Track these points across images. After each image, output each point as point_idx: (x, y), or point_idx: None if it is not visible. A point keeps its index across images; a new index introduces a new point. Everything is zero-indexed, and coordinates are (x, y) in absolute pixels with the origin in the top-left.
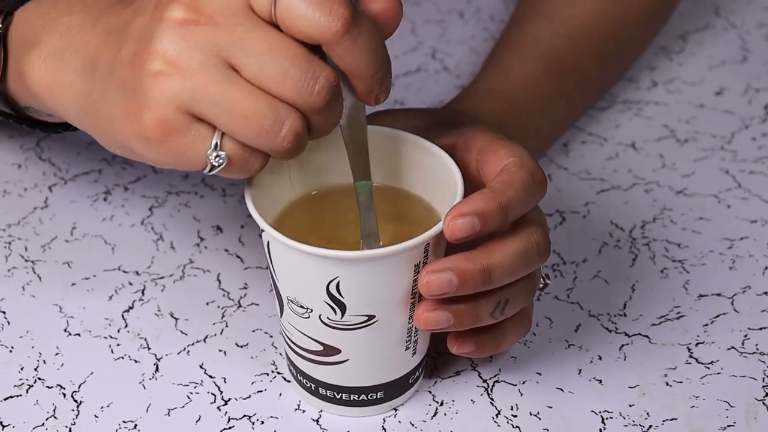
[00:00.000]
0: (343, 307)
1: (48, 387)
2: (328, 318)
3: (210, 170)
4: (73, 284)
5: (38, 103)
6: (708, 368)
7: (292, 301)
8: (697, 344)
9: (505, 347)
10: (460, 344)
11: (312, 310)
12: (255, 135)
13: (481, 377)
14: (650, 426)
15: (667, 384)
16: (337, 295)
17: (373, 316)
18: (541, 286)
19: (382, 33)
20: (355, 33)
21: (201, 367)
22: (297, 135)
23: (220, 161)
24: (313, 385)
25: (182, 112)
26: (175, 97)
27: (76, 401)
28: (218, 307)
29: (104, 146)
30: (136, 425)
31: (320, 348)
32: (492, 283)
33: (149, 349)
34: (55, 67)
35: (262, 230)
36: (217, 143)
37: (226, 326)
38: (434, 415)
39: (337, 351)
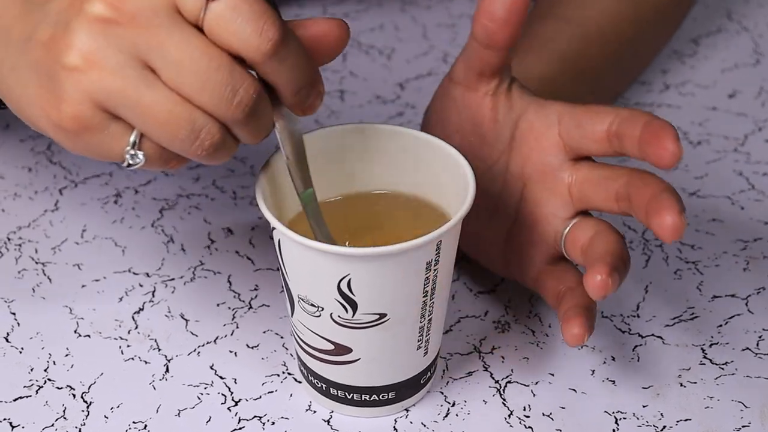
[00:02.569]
0: (354, 306)
1: (58, 388)
2: (339, 316)
3: (128, 166)
4: (84, 286)
5: None
6: (722, 369)
7: (303, 300)
8: (711, 345)
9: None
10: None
11: (323, 309)
12: (170, 140)
13: (493, 378)
14: (664, 427)
15: (681, 385)
16: (349, 293)
17: (385, 315)
18: None
19: (326, 56)
20: (282, 54)
21: (211, 368)
22: (214, 145)
23: (137, 160)
24: (324, 386)
25: (99, 109)
26: (92, 95)
27: (86, 402)
28: (229, 308)
29: (18, 116)
30: (146, 426)
31: (331, 347)
32: None
33: (159, 350)
34: None
35: (273, 228)
36: (135, 141)
37: (237, 327)
38: (446, 416)
39: (349, 350)
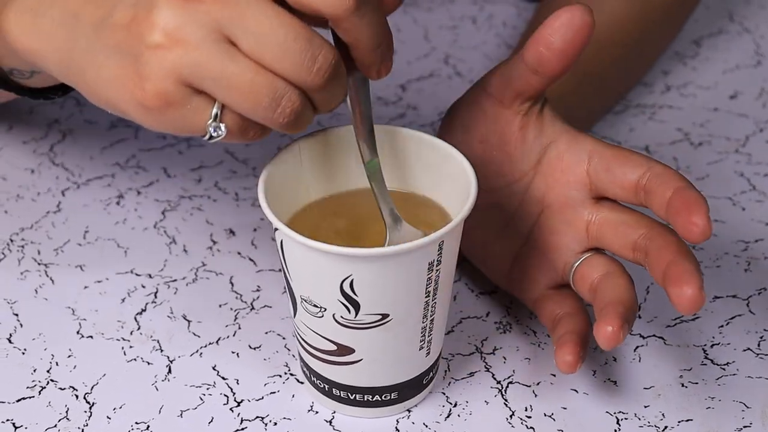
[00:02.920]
0: (357, 306)
1: (60, 389)
2: (341, 317)
3: (209, 139)
4: (86, 287)
5: (20, 61)
6: (724, 369)
7: (305, 301)
8: (712, 346)
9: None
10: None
11: (326, 309)
12: (253, 110)
13: (494, 378)
14: (665, 427)
15: (683, 385)
16: (351, 294)
17: (387, 315)
18: None
19: (391, 7)
20: (362, 10)
21: (214, 368)
22: (295, 111)
23: (220, 132)
24: (326, 386)
25: (182, 84)
26: (176, 71)
27: (88, 403)
28: (231, 309)
29: (92, 102)
30: (148, 426)
31: (334, 348)
32: None
33: (162, 351)
34: (31, 19)
35: (276, 229)
36: (217, 114)
37: (239, 328)
38: (448, 416)
39: (351, 351)
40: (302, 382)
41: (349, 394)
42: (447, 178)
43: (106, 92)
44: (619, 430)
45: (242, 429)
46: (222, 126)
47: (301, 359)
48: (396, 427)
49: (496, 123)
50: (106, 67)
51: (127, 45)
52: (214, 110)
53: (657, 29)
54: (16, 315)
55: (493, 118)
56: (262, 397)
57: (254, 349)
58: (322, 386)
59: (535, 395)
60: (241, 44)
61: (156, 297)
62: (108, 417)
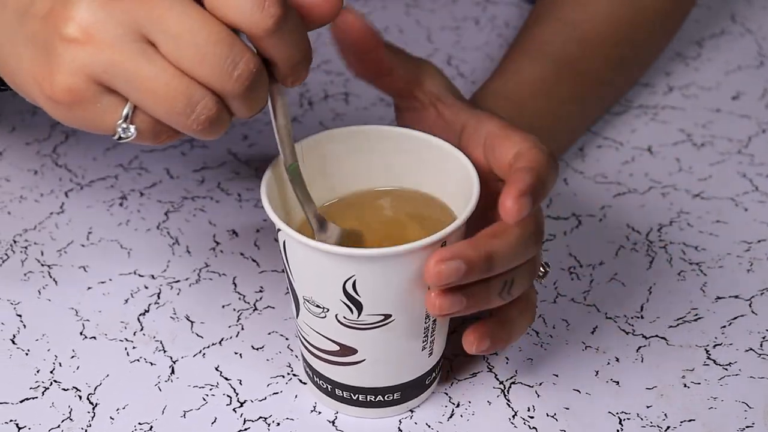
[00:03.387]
0: (359, 306)
1: (64, 389)
2: (344, 317)
3: (118, 139)
4: (89, 288)
5: None
6: (726, 369)
7: (308, 301)
8: (714, 346)
9: (515, 338)
10: (478, 342)
11: (328, 310)
12: (166, 114)
13: (497, 379)
14: (668, 427)
15: (685, 385)
16: (354, 294)
17: (390, 315)
18: (540, 273)
19: (315, 23)
20: (283, 30)
21: (217, 369)
22: (210, 119)
23: (129, 134)
24: (329, 386)
25: (93, 82)
26: (87, 68)
27: (92, 403)
28: (234, 310)
29: (15, 90)
30: (151, 427)
31: (337, 348)
32: (493, 270)
33: (165, 351)
34: None
35: (279, 229)
36: (128, 114)
37: (242, 329)
38: (450, 417)
39: (354, 351)
40: (305, 383)
41: (351, 395)
42: (449, 179)
43: (22, 83)
44: (622, 430)
45: (245, 429)
46: (132, 128)
47: (304, 360)
48: (399, 428)
49: (421, 123)
50: (22, 58)
51: (42, 36)
52: (125, 111)
53: (650, 29)
54: (20, 316)
55: (417, 121)
56: (265, 398)
57: (257, 349)
58: (324, 387)
59: (538, 395)
60: (160, 45)
61: (159, 298)
62: (111, 418)
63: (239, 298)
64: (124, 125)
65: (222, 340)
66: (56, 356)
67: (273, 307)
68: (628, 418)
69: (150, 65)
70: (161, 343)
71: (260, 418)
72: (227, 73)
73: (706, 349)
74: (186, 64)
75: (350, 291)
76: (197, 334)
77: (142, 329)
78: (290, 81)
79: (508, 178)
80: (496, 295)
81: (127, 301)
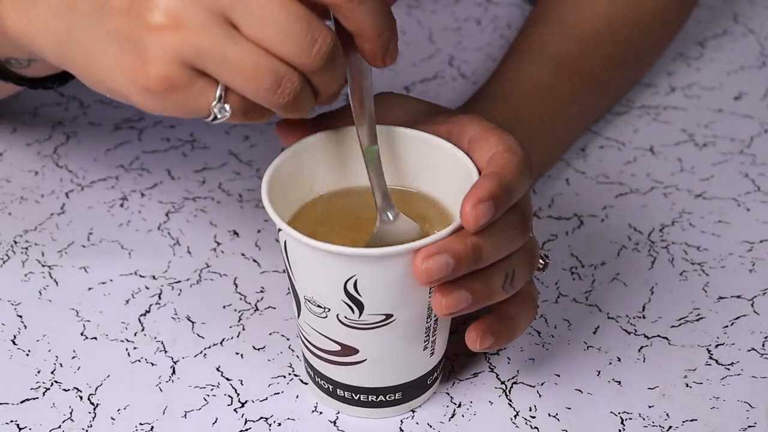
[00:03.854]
0: (360, 306)
1: (65, 390)
2: (345, 317)
3: (213, 120)
4: (90, 289)
5: (16, 49)
6: (728, 369)
7: (309, 301)
8: (716, 346)
9: (518, 334)
10: (481, 339)
11: (330, 310)
12: (255, 91)
13: (499, 379)
14: (670, 427)
15: (687, 385)
16: (355, 294)
17: (391, 315)
18: (540, 265)
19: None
20: None
21: (218, 369)
22: (294, 92)
23: (225, 113)
24: (330, 387)
25: (186, 67)
26: (180, 53)
27: (92, 404)
28: (235, 310)
29: (90, 87)
30: (152, 427)
31: (338, 348)
32: (482, 262)
33: (166, 352)
34: (27, 6)
35: (279, 229)
36: (221, 95)
37: (243, 329)
38: (452, 417)
39: (355, 351)
40: (306, 383)
41: (353, 395)
42: (450, 178)
43: (108, 79)
44: (624, 430)
45: (246, 430)
46: (227, 107)
47: (305, 360)
48: (400, 428)
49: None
50: (106, 54)
51: (127, 30)
52: (218, 92)
53: (650, 30)
54: (21, 317)
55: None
56: (266, 398)
57: (258, 350)
58: (326, 387)
59: (540, 395)
60: (243, 27)
61: (160, 298)
62: (112, 418)
63: (240, 299)
64: (219, 105)
65: (223, 340)
66: (57, 357)
67: (274, 308)
68: (630, 418)
69: (237, 47)
70: (162, 343)
71: (261, 418)
72: (308, 48)
73: (708, 349)
74: (270, 43)
75: (351, 291)
76: (198, 335)
77: (143, 330)
78: (380, 57)
79: (474, 184)
80: (499, 289)
81: (128, 301)
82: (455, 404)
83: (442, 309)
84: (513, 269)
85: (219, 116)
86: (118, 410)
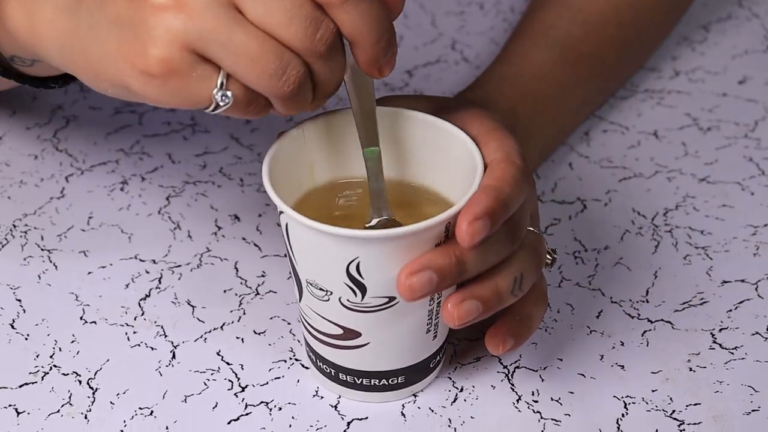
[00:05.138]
0: (363, 289)
1: (64, 374)
2: (348, 300)
3: (214, 109)
4: (90, 273)
5: (20, 48)
6: (732, 353)
7: (311, 284)
8: (720, 330)
9: (534, 330)
10: (503, 344)
11: (332, 293)
12: (259, 78)
13: (501, 363)
14: (673, 411)
15: (691, 369)
16: (357, 277)
17: (394, 298)
18: (549, 261)
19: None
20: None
21: (218, 354)
22: (299, 81)
23: (227, 100)
24: (332, 371)
25: (188, 51)
26: (181, 36)
27: (92, 388)
28: (236, 294)
29: (92, 87)
30: (152, 412)
31: (340, 332)
32: (467, 275)
33: (166, 336)
34: (33, 5)
35: (281, 212)
36: (222, 83)
37: (244, 314)
38: (454, 401)
39: (358, 334)
40: (307, 367)
41: (355, 379)
42: (453, 160)
43: (108, 68)
44: (627, 414)
45: (247, 414)
46: (229, 93)
47: (307, 344)
48: (402, 412)
49: None
50: (107, 42)
51: (129, 15)
52: (220, 78)
53: (655, 12)
54: (19, 301)
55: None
56: (267, 383)
57: (259, 334)
58: (327, 371)
59: (542, 380)
60: (247, 11)
61: (160, 283)
62: (111, 402)
63: (241, 283)
64: (222, 92)
65: (223, 324)
66: (56, 341)
67: (275, 292)
68: (633, 403)
69: (242, 30)
70: (162, 327)
71: (262, 402)
72: (312, 34)
73: (711, 333)
74: (274, 27)
75: (354, 273)
76: (198, 319)
77: (143, 314)
78: (376, 67)
79: (470, 198)
80: (508, 294)
81: (127, 285)
82: (457, 388)
83: (454, 321)
84: (521, 273)
85: (221, 104)
86: (118, 395)
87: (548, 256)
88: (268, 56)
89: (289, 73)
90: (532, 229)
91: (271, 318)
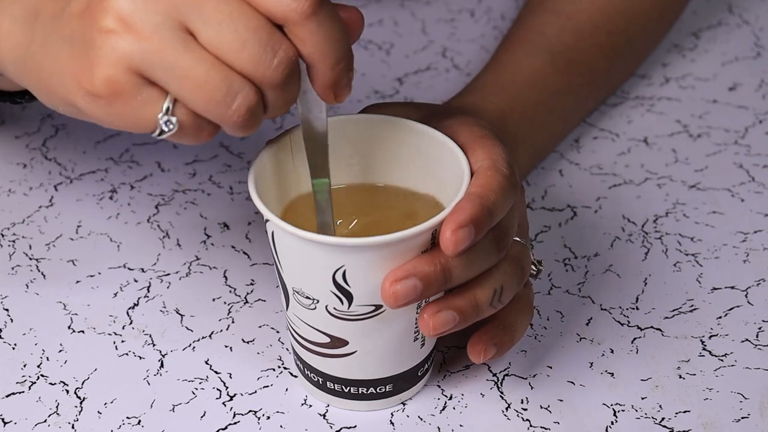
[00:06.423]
0: (349, 297)
1: (51, 384)
2: (334, 308)
3: (159, 134)
4: (78, 282)
5: None
6: (722, 360)
7: (297, 293)
8: (710, 337)
9: (518, 339)
10: (485, 352)
11: (318, 301)
12: (205, 105)
13: (490, 371)
14: (663, 418)
15: (680, 377)
16: (344, 285)
17: (381, 306)
18: (533, 272)
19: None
20: (321, 17)
21: (206, 362)
22: (249, 109)
23: (171, 126)
24: (320, 379)
25: (133, 73)
26: (127, 58)
27: (79, 397)
28: (224, 303)
29: (45, 103)
30: (139, 421)
31: (327, 340)
32: (452, 282)
33: (154, 345)
34: None
35: (267, 220)
36: (168, 108)
37: (233, 322)
38: (443, 409)
39: (345, 343)
40: (296, 376)
41: (343, 387)
42: (440, 167)
43: (58, 85)
44: (616, 422)
45: (235, 423)
46: (174, 119)
47: (295, 353)
48: (390, 421)
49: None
50: (58, 59)
51: (80, 33)
52: (166, 104)
53: (646, 21)
54: (7, 310)
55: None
56: (256, 391)
57: (248, 342)
58: (315, 379)
59: (531, 387)
60: (199, 34)
61: (149, 291)
62: (99, 412)
63: (230, 291)
64: (166, 118)
65: (212, 333)
66: (44, 350)
67: (264, 300)
68: (623, 410)
69: (189, 54)
70: (150, 336)
71: (250, 411)
72: (267, 60)
73: (701, 340)
74: (226, 52)
75: (340, 281)
76: (187, 328)
77: (131, 323)
78: (332, 91)
79: (455, 206)
80: (487, 306)
81: (116, 294)
82: (446, 396)
83: (429, 330)
84: (501, 285)
85: (165, 129)
86: (105, 404)
87: (533, 267)
88: (215, 82)
89: (239, 101)
90: (518, 239)
91: (260, 326)
